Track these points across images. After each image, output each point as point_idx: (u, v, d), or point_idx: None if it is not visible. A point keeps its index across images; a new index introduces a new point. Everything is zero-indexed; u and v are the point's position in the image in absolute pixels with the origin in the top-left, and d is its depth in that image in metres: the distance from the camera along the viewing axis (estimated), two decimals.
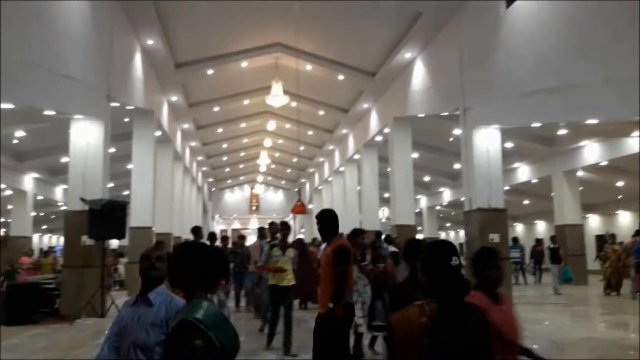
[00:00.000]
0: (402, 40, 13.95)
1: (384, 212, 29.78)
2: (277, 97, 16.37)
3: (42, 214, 28.60)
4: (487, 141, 11.41)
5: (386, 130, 17.54)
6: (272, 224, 8.65)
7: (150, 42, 13.28)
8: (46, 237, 38.78)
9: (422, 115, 14.72)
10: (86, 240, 9.61)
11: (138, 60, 13.30)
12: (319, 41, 15.62)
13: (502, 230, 11.31)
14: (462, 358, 2.12)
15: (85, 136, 10.08)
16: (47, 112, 9.00)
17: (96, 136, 10.15)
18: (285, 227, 7.79)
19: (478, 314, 2.23)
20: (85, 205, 9.34)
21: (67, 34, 8.76)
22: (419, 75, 14.32)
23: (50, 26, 8.20)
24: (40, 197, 22.81)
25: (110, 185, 26.24)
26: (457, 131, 17.61)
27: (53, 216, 31.03)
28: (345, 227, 18.68)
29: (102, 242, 9.30)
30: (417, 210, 33.88)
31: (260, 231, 10.62)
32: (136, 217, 14.94)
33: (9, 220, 22.36)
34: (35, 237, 31.53)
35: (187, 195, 24.74)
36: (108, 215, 9.09)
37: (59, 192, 24.12)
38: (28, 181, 21.04)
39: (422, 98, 14.22)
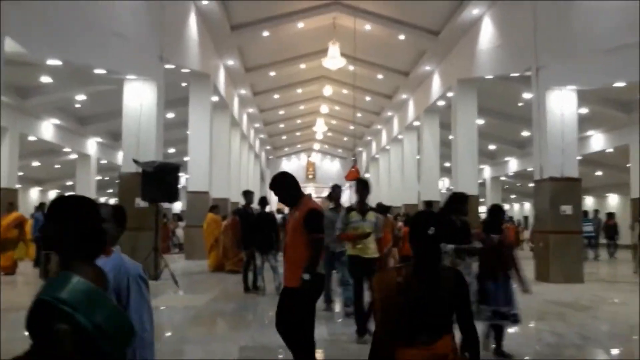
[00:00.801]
0: None
1: (444, 183, 28.81)
2: (333, 59, 15.76)
3: (106, 178, 29.53)
4: (562, 104, 10.43)
5: (449, 94, 16.58)
6: (335, 187, 7.51)
7: (204, 2, 12.94)
8: (111, 201, 40.34)
9: (490, 76, 13.74)
10: (140, 202, 9.55)
11: (193, 21, 13.02)
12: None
13: (575, 202, 10.42)
14: (430, 312, 2.38)
15: (139, 98, 9.95)
16: (98, 71, 8.86)
17: (150, 98, 9.99)
18: (363, 186, 6.19)
19: (452, 274, 2.53)
20: (139, 168, 9.23)
21: None
22: (487, 33, 13.27)
23: None
24: (103, 161, 23.42)
25: (172, 150, 27.05)
26: (527, 95, 16.46)
27: (117, 180, 32.00)
28: (402, 198, 17.84)
29: (156, 204, 9.19)
30: (481, 181, 32.58)
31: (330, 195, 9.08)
32: (193, 182, 14.98)
33: (71, 184, 23.12)
34: (101, 201, 32.69)
35: (244, 162, 24.76)
36: (161, 178, 8.95)
37: (121, 156, 24.64)
38: (92, 145, 21.60)
39: (490, 58, 13.21)
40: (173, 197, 9.27)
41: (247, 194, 9.26)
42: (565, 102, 10.36)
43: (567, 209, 10.24)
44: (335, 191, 7.47)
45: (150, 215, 9.30)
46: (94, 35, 7.74)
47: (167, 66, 11.91)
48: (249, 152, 26.72)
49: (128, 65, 9.22)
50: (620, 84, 9.71)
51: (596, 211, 18.89)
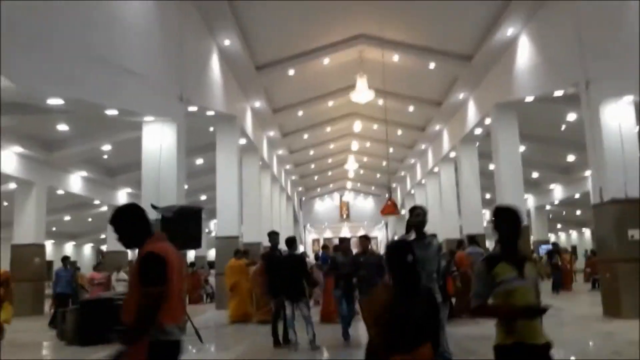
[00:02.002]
0: (502, 14, 12.20)
1: (486, 215, 27.49)
2: (362, 92, 15.15)
3: None
4: (618, 118, 9.42)
5: (487, 121, 15.70)
6: (343, 240, 7.87)
7: (227, 42, 12.60)
8: None
9: (530, 98, 12.82)
10: None
11: (215, 62, 12.67)
12: (406, 27, 14.21)
13: None
14: (412, 326, 2.87)
15: (158, 140, 9.41)
16: (110, 112, 8.36)
17: (169, 140, 9.45)
18: (513, 217, 5.61)
19: (427, 294, 3.02)
20: (159, 214, 8.58)
21: (130, 27, 8.12)
22: (525, 53, 12.44)
23: (111, 16, 7.55)
24: None
25: (203, 197, 26.72)
26: (572, 115, 15.52)
27: None
28: (443, 233, 16.66)
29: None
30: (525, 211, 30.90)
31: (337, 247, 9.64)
32: (223, 227, 14.39)
33: (103, 236, 22.89)
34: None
35: (276, 204, 24.14)
36: (182, 223, 8.25)
37: None
38: (122, 196, 21.38)
39: (529, 78, 12.33)
40: (196, 243, 8.53)
41: (272, 235, 8.43)
42: (622, 115, 9.38)
43: (635, 234, 9.07)
44: (344, 244, 7.38)
45: None
46: (104, 72, 7.22)
47: (190, 109, 11.49)
48: (280, 194, 26.12)
49: (144, 105, 8.71)
50: None
51: None
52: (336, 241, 41.91)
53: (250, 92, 15.86)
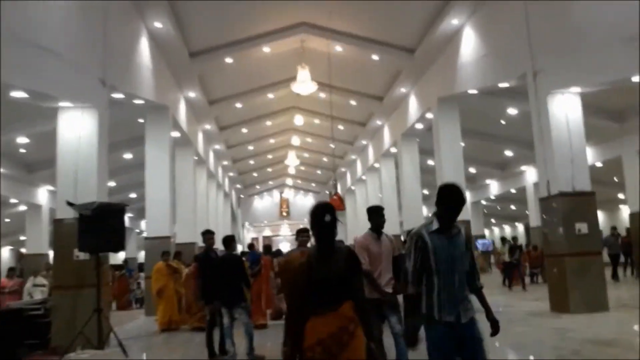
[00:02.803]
0: (447, 4, 11.91)
1: (426, 211, 27.57)
2: (304, 83, 14.49)
3: None
4: (566, 109, 9.29)
5: (429, 115, 15.45)
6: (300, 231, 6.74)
7: (157, 24, 11.56)
8: None
9: (474, 91, 12.62)
10: (79, 254, 7.83)
11: (145, 46, 11.59)
12: (349, 17, 13.66)
13: (591, 219, 9.13)
14: (331, 285, 2.90)
15: (76, 128, 8.30)
16: (16, 94, 7.21)
17: (89, 128, 8.35)
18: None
19: (346, 252, 3.05)
20: (76, 213, 7.55)
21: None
22: (470, 44, 12.21)
23: None
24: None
25: (133, 195, 25.17)
26: (512, 110, 15.55)
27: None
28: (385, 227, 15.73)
29: (96, 255, 7.47)
30: None
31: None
32: (152, 227, 13.31)
33: (23, 238, 21.08)
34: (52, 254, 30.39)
35: (212, 202, 23.04)
36: (102, 223, 7.27)
37: None
38: (42, 194, 19.65)
39: (474, 70, 12.10)
40: (118, 244, 7.57)
41: (206, 235, 7.57)
42: (569, 106, 9.23)
43: (582, 227, 8.95)
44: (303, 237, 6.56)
45: (91, 268, 7.56)
46: (8, 46, 6.11)
47: (116, 96, 10.40)
48: (217, 191, 25.01)
49: (59, 88, 7.56)
50: (636, 79, 8.50)
51: (613, 228, 17.56)
52: (279, 239, 41.10)
53: (183, 81, 14.80)
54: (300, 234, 6.65)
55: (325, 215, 2.99)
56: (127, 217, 31.71)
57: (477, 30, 11.89)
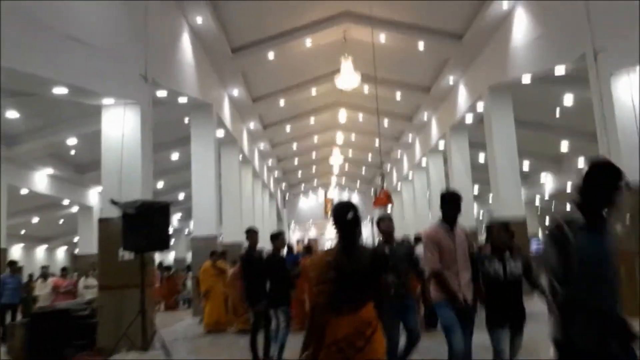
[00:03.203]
0: None
1: (479, 208, 26.68)
2: (347, 75, 14.06)
3: None
4: (632, 91, 8.47)
5: (479, 106, 14.77)
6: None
7: (199, 20, 11.45)
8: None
9: (527, 77, 11.89)
10: (124, 253, 7.73)
11: (186, 42, 11.51)
12: (391, 4, 13.14)
13: None
14: (353, 283, 2.90)
15: (119, 126, 8.23)
16: (58, 90, 7.14)
17: (132, 125, 8.26)
18: None
19: (370, 252, 3.06)
20: (120, 211, 7.43)
21: None
22: (522, 27, 11.50)
23: None
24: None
25: (181, 196, 25.42)
26: (569, 97, 14.68)
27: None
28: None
29: (141, 255, 7.33)
30: None
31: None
32: (199, 226, 13.25)
33: (77, 239, 21.60)
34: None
35: (258, 201, 23.00)
36: (146, 221, 7.12)
37: None
38: (93, 195, 20.05)
39: (528, 54, 11.39)
40: (162, 243, 7.39)
41: (249, 233, 7.26)
42: (635, 87, 8.41)
43: None
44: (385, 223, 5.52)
45: (135, 268, 7.43)
46: (47, 40, 6.00)
47: (159, 93, 10.36)
48: (262, 191, 24.97)
49: (100, 83, 7.46)
50: None
51: None
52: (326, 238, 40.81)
53: (226, 77, 14.70)
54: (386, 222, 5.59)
55: (347, 214, 3.02)
56: (176, 218, 32.33)
57: (529, 11, 11.18)
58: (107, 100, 8.07)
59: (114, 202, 7.34)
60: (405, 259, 5.20)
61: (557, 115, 16.80)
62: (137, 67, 8.43)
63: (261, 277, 6.55)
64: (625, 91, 8.52)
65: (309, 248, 11.70)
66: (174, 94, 10.90)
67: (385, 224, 5.41)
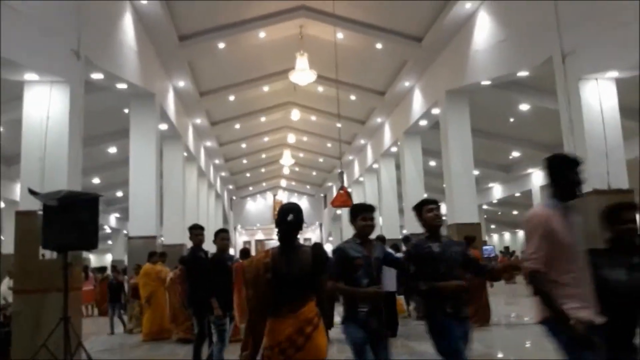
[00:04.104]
0: None
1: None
2: (302, 71, 13.43)
3: None
4: (599, 97, 8.25)
5: (435, 111, 14.48)
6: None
7: (143, 0, 10.46)
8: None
9: (487, 82, 11.64)
10: (45, 253, 6.72)
11: (128, 23, 10.49)
12: (352, 2, 12.62)
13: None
14: (292, 285, 2.90)
15: (43, 106, 7.18)
16: None
17: (59, 107, 7.23)
18: None
19: (309, 250, 3.04)
20: (41, 203, 6.42)
21: None
22: (485, 30, 11.22)
23: None
24: None
25: (119, 194, 23.96)
26: (524, 106, 14.69)
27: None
28: (383, 231, 14.74)
29: (64, 254, 6.35)
30: None
31: None
32: (136, 225, 12.17)
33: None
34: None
35: (203, 202, 21.90)
36: (70, 215, 6.17)
37: None
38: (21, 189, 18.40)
39: (489, 58, 11.11)
40: (90, 241, 6.43)
41: (194, 231, 6.45)
42: (604, 93, 8.20)
43: None
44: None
45: (58, 269, 6.44)
46: None
47: (95, 76, 9.33)
48: (208, 191, 23.86)
49: (22, 53, 6.40)
50: None
51: None
52: (272, 242, 39.90)
53: (172, 67, 13.70)
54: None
55: (288, 215, 3.05)
56: (114, 217, 30.60)
57: (493, 13, 10.90)
58: (30, 76, 7.01)
59: (32, 192, 6.34)
60: (460, 261, 3.88)
61: (510, 122, 16.81)
62: (69, 42, 7.42)
63: (207, 281, 5.76)
64: (593, 97, 8.27)
65: (246, 252, 10.78)
66: (112, 78, 9.88)
67: (432, 213, 3.90)
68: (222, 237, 6.00)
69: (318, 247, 3.09)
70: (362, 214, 3.92)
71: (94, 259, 37.86)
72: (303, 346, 2.79)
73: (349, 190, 27.50)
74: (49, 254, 6.76)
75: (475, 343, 7.73)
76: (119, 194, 24.04)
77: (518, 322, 11.05)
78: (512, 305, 14.06)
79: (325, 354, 2.86)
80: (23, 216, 7.03)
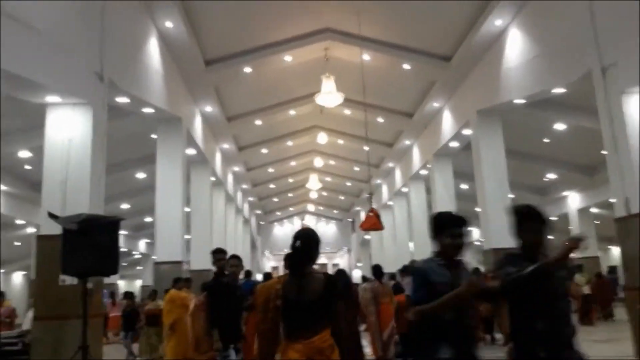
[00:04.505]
0: (488, 4, 10.65)
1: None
2: (329, 94, 13.23)
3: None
4: None
5: (466, 131, 14.08)
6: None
7: (169, 24, 10.49)
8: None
9: (521, 100, 11.21)
10: (66, 279, 6.53)
11: (154, 46, 10.51)
12: (378, 22, 12.50)
13: None
14: (302, 310, 2.85)
15: (66, 129, 7.10)
16: None
17: (82, 129, 7.15)
18: None
19: (322, 279, 2.97)
20: (61, 226, 6.26)
21: None
22: (516, 46, 10.85)
23: None
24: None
25: (148, 219, 23.99)
26: (559, 125, 14.16)
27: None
28: (415, 256, 13.93)
29: (84, 280, 6.15)
30: None
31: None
32: (162, 250, 12.03)
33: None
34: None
35: (231, 227, 21.76)
36: (91, 239, 5.98)
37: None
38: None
39: (522, 75, 10.70)
40: (110, 266, 6.22)
41: (216, 255, 6.19)
42: None
43: None
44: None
45: (77, 295, 6.22)
46: None
47: (120, 99, 9.30)
48: (236, 216, 23.77)
49: (44, 74, 6.33)
50: None
51: None
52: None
53: (199, 92, 13.69)
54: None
55: (296, 242, 3.03)
56: (144, 243, 30.72)
57: (525, 30, 10.54)
58: (52, 98, 6.96)
59: (52, 216, 6.18)
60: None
61: (545, 142, 16.21)
62: (92, 64, 7.37)
63: (230, 307, 5.45)
64: (637, 111, 7.78)
65: (269, 275, 10.45)
66: (138, 102, 9.84)
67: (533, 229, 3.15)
68: (217, 257, 5.74)
69: (337, 273, 3.39)
70: (450, 229, 3.07)
71: (123, 285, 38.03)
72: None
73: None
74: (69, 280, 6.56)
75: None
76: (148, 219, 24.10)
77: None
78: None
79: None
80: (44, 240, 6.89)
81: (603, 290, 15.26)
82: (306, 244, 3.02)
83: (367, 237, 32.41)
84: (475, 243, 32.65)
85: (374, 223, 12.29)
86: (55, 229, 6.61)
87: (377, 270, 9.18)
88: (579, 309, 14.52)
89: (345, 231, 39.72)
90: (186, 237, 15.29)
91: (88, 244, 6.01)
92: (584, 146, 15.38)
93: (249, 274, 10.81)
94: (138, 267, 35.24)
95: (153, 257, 31.21)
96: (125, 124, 13.29)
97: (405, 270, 11.60)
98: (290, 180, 27.54)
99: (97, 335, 6.85)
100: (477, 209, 25.21)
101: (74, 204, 6.84)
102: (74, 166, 7.03)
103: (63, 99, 7.00)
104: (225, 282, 6.08)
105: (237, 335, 5.46)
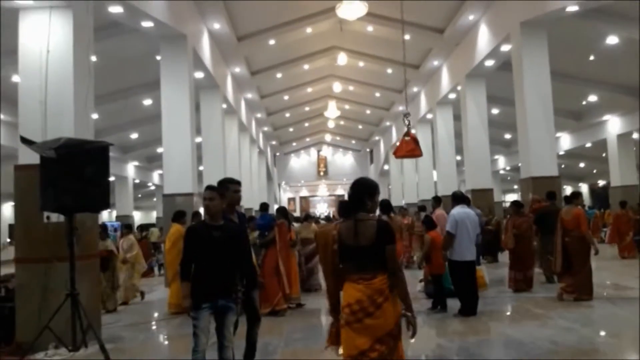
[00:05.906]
0: None
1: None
2: (351, 4, 11.65)
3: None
4: None
5: (504, 47, 12.62)
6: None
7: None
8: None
9: (572, 8, 9.70)
10: (50, 216, 5.55)
11: None
12: None
13: None
14: (358, 256, 3.05)
15: (43, 38, 5.87)
16: None
17: (61, 38, 5.91)
18: None
19: (374, 225, 3.09)
20: (38, 153, 5.21)
21: None
22: None
23: None
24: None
25: (160, 149, 23.05)
26: (611, 39, 12.55)
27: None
28: (439, 188, 12.48)
29: (69, 217, 5.15)
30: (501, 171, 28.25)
31: None
32: (170, 182, 11.11)
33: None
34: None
35: (245, 158, 20.74)
36: (73, 169, 4.94)
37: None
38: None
39: None
40: (99, 201, 5.20)
41: (222, 186, 5.09)
42: None
43: None
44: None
45: (62, 234, 5.25)
46: None
47: (113, 8, 8.00)
48: (251, 146, 22.69)
49: None
50: None
51: None
52: (317, 199, 38.77)
53: (206, 6, 12.18)
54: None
55: (349, 191, 3.21)
56: (158, 174, 30.03)
57: None
58: (24, 1, 5.69)
59: (25, 141, 5.11)
60: None
61: (590, 60, 14.58)
62: None
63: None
64: None
65: (284, 211, 9.06)
66: (134, 13, 8.51)
67: None
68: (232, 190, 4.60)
69: (383, 222, 3.14)
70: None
71: (139, 217, 37.91)
72: (373, 313, 2.94)
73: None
74: (54, 217, 5.58)
75: (573, 322, 6.22)
76: (161, 149, 23.15)
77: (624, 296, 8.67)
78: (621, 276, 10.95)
79: (393, 325, 2.97)
80: (22, 171, 5.88)
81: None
82: (358, 191, 3.16)
83: (385, 167, 31.30)
84: (500, 172, 31.46)
85: (411, 149, 10.42)
86: (35, 158, 5.57)
87: (384, 205, 8.72)
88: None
89: (363, 162, 38.62)
90: (200, 168, 14.43)
91: (70, 174, 4.97)
92: (635, 63, 13.74)
93: (265, 207, 9.81)
94: (154, 199, 34.88)
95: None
96: (125, 44, 12.01)
97: (438, 200, 10.47)
98: (307, 108, 26.12)
99: (91, 280, 5.93)
100: (507, 136, 23.77)
101: (56, 129, 5.73)
102: (55, 83, 5.87)
103: (37, 0, 5.71)
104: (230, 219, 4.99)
105: (248, 280, 4.39)
